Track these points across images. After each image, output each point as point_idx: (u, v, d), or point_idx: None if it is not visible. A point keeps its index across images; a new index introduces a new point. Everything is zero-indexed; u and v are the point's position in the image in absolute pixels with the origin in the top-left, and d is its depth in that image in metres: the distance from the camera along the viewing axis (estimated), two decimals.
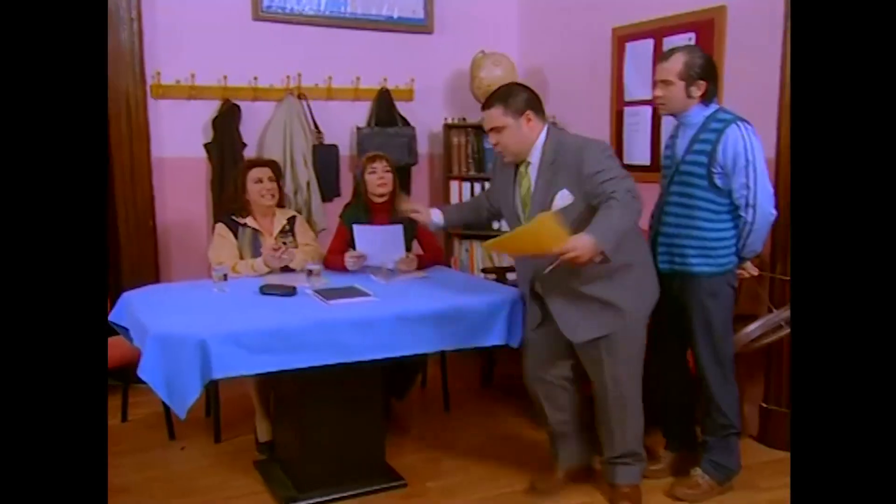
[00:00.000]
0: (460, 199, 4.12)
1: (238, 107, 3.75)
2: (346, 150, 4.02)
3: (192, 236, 3.74)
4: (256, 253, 3.04)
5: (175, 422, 3.05)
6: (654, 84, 2.39)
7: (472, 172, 4.09)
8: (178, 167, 3.75)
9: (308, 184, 3.84)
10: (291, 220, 3.18)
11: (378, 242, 2.95)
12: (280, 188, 3.15)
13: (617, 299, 2.27)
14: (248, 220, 3.08)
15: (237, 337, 2.16)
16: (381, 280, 2.82)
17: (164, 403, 2.80)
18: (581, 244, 2.03)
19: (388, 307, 2.42)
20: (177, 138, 3.73)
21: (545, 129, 2.33)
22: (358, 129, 3.98)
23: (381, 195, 3.07)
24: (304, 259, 2.93)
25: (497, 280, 3.66)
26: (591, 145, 2.24)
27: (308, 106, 3.89)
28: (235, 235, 3.06)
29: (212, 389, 3.13)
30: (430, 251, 3.18)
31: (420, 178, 4.27)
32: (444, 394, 3.37)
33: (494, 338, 2.46)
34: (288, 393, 2.56)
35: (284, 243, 3.08)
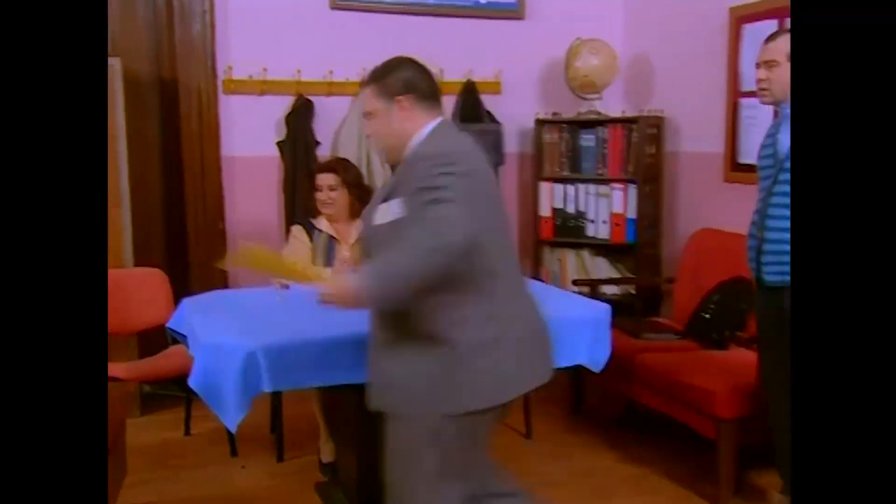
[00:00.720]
0: (551, 203, 4.16)
1: (311, 102, 3.86)
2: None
3: (262, 238, 3.67)
4: (330, 261, 3.08)
5: (238, 437, 3.15)
6: (757, 66, 2.28)
7: (566, 173, 4.07)
8: (248, 166, 3.87)
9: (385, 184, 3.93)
10: None
11: None
12: (352, 193, 3.17)
13: (398, 378, 1.81)
14: (324, 225, 3.15)
15: (288, 349, 2.20)
16: None
17: None
18: (340, 285, 1.71)
19: None
20: (248, 136, 3.85)
21: (435, 123, 1.88)
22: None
23: None
24: None
25: (590, 294, 3.62)
26: (434, 154, 1.76)
27: None
28: (311, 239, 3.14)
29: (276, 405, 3.29)
30: None
31: (508, 180, 4.24)
32: (526, 418, 3.34)
33: (573, 358, 2.42)
34: (349, 411, 2.58)
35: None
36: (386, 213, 1.80)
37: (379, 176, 3.89)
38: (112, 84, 3.39)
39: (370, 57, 3.81)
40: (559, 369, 2.37)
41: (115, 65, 3.42)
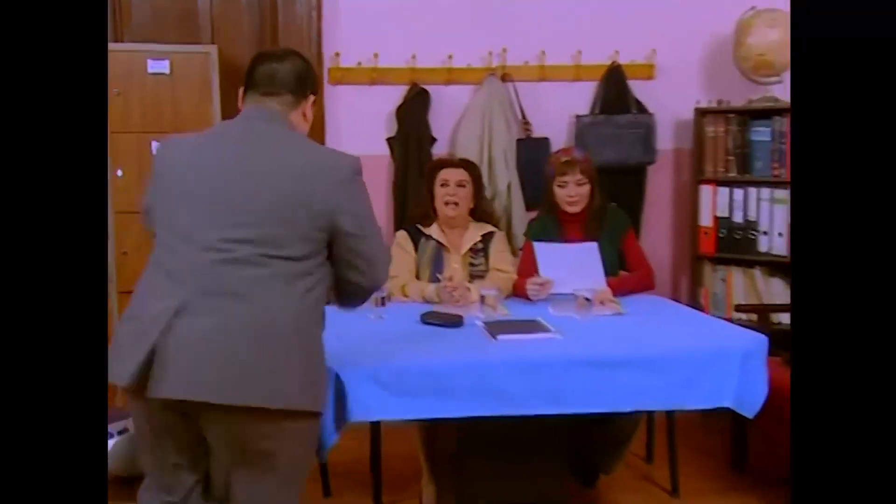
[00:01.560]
0: (713, 210, 3.90)
1: (427, 93, 3.86)
2: (560, 144, 3.95)
3: None
4: (437, 273, 3.10)
5: (332, 474, 3.15)
6: None
7: (732, 174, 3.83)
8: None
9: (509, 187, 3.85)
10: (487, 237, 3.21)
11: (567, 265, 2.92)
12: (476, 196, 3.21)
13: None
14: (434, 231, 3.18)
15: (377, 374, 2.22)
16: (570, 314, 2.76)
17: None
18: None
19: (570, 348, 2.37)
20: (355, 131, 3.89)
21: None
22: (578, 117, 3.93)
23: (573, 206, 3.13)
24: (494, 296, 2.88)
25: (758, 322, 3.39)
26: None
27: (514, 89, 3.91)
28: (416, 248, 3.17)
29: (375, 440, 3.24)
30: (643, 271, 3.13)
31: (659, 181, 4.09)
32: (672, 472, 3.13)
33: (717, 399, 2.32)
34: (446, 451, 2.62)
35: (472, 264, 3.13)
36: None
37: (502, 180, 3.84)
38: (207, 74, 3.51)
39: (496, 38, 3.92)
40: (704, 412, 2.45)
41: (211, 53, 3.53)
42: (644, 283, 3.15)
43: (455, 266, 3.16)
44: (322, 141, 3.84)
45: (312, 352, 1.91)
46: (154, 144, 3.51)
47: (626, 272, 3.18)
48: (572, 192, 3.12)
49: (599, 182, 3.20)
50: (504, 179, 3.86)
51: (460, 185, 3.17)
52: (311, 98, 2.07)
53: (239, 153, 1.89)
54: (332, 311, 2.83)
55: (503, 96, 3.88)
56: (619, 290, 3.02)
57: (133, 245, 3.41)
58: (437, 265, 3.14)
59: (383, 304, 2.76)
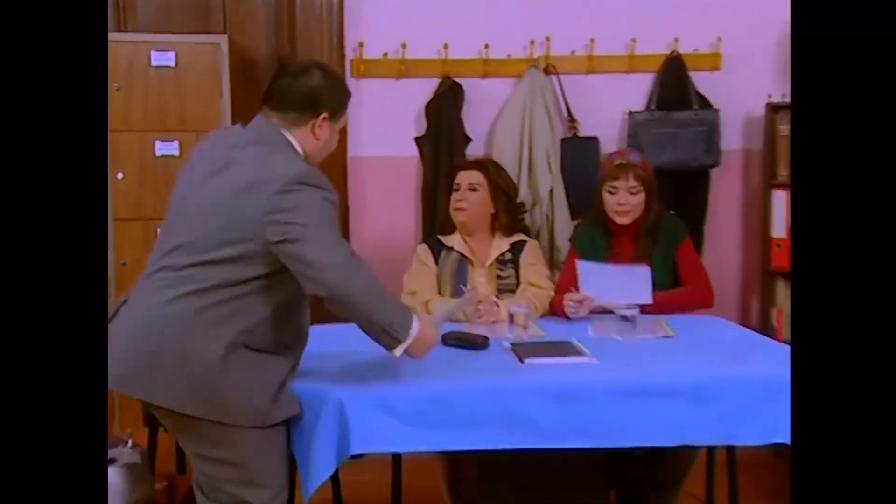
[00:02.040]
0: (787, 219, 3.75)
1: (461, 87, 3.79)
2: (611, 144, 3.88)
3: (397, 258, 3.75)
4: (458, 288, 3.04)
5: None
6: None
7: None
8: (381, 169, 3.87)
9: (552, 193, 3.77)
10: (518, 247, 3.18)
11: (612, 287, 2.87)
12: (495, 201, 3.16)
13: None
14: (455, 242, 3.18)
15: (387, 400, 2.21)
16: (611, 336, 2.72)
17: (332, 487, 2.96)
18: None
19: (606, 373, 2.35)
20: (380, 129, 3.86)
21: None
22: (631, 114, 3.85)
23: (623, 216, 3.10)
24: (524, 314, 2.80)
25: None
26: None
27: (559, 83, 3.85)
28: (438, 261, 3.17)
29: (396, 474, 3.13)
30: (697, 286, 3.06)
31: (725, 186, 3.96)
32: None
33: (776, 433, 2.23)
34: (472, 490, 2.58)
35: (500, 276, 3.09)
36: None
37: (544, 184, 3.78)
38: (217, 67, 3.48)
39: (539, 26, 3.82)
40: (775, 450, 2.45)
41: (221, 44, 3.49)
42: (698, 300, 3.07)
43: (480, 279, 3.12)
44: (343, 141, 3.78)
45: (201, 363, 2.04)
46: (158, 145, 3.50)
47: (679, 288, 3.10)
48: (623, 201, 3.07)
49: (657, 190, 3.14)
50: (546, 184, 3.76)
51: (471, 188, 3.15)
52: (322, 116, 2.23)
53: (198, 183, 2.15)
54: (345, 331, 2.80)
55: (546, 91, 3.81)
56: (668, 307, 2.97)
57: (132, 255, 3.36)
58: (460, 278, 3.12)
59: None
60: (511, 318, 2.74)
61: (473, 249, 3.17)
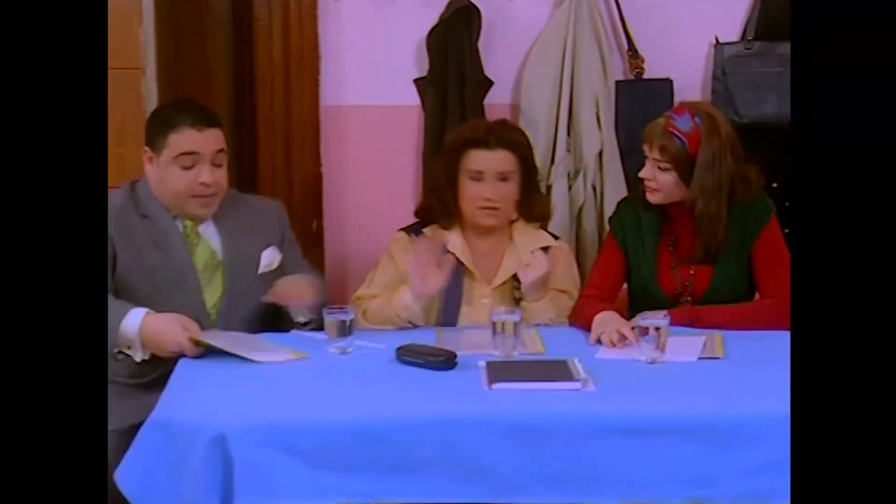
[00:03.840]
0: None
1: (477, 10, 3.70)
2: (690, 89, 3.82)
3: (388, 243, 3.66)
4: (452, 309, 3.07)
5: None
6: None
7: None
8: (367, 122, 3.86)
9: (601, 157, 3.72)
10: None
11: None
12: (524, 190, 3.13)
13: None
14: (454, 242, 3.10)
15: (288, 435, 2.22)
16: (632, 356, 2.70)
17: None
18: None
19: (595, 406, 2.34)
20: (367, 69, 3.82)
21: None
22: (720, 45, 3.78)
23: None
24: (513, 324, 2.77)
25: None
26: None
27: (616, 2, 3.79)
28: None
29: None
30: (773, 300, 3.01)
31: None
32: None
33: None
34: None
35: (518, 300, 3.06)
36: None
37: (591, 144, 3.73)
38: None
39: None
40: None
41: None
42: (772, 319, 2.95)
43: (485, 301, 3.06)
44: (313, 86, 3.83)
45: None
46: None
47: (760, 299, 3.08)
48: (648, 175, 3.05)
49: (738, 156, 3.06)
50: (594, 144, 3.71)
51: (503, 177, 3.06)
52: (146, 151, 2.92)
53: None
54: (295, 341, 3.01)
55: (597, 13, 3.76)
56: (727, 323, 2.94)
57: None
58: (453, 300, 3.07)
59: (349, 332, 2.77)
60: (498, 328, 2.69)
61: (477, 254, 3.12)
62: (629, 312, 2.97)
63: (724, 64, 3.76)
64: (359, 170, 3.90)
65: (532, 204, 3.17)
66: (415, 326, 2.97)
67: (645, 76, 3.81)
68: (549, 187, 3.67)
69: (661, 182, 3.03)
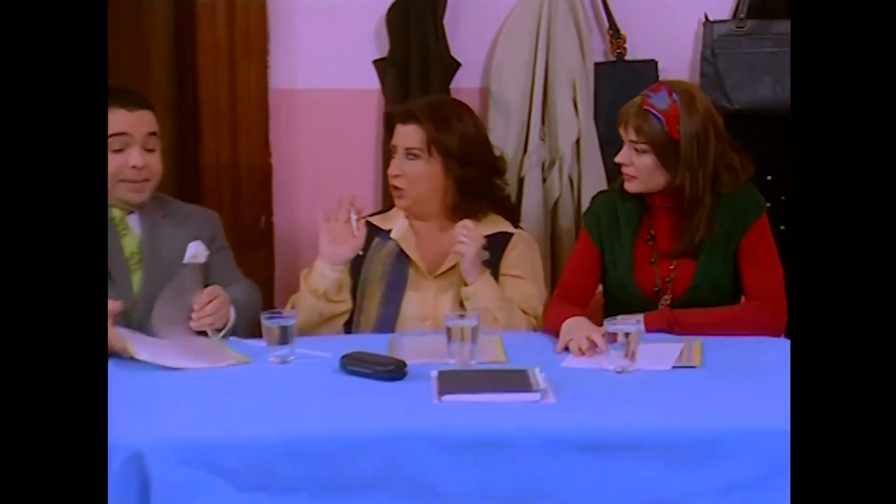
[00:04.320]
0: None
1: None
2: (677, 72, 3.79)
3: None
4: (393, 301, 3.09)
5: None
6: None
7: None
8: (322, 108, 3.84)
9: (578, 145, 3.71)
10: (498, 242, 3.16)
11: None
12: (450, 172, 3.11)
13: None
14: (396, 226, 3.16)
15: (213, 452, 2.20)
16: (601, 365, 2.69)
17: None
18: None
19: (554, 419, 2.34)
20: (321, 49, 3.81)
21: None
22: (709, 23, 3.77)
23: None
24: (471, 329, 2.77)
25: None
26: None
27: None
28: (363, 253, 3.14)
29: None
30: (760, 303, 3.01)
31: None
32: None
33: None
34: None
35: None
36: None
37: (567, 132, 3.73)
38: None
39: None
40: None
41: None
42: (758, 324, 2.98)
43: (429, 286, 3.11)
44: (261, 67, 3.83)
45: None
46: None
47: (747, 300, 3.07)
48: (624, 159, 3.03)
49: (722, 139, 3.06)
50: (570, 131, 3.69)
51: (410, 154, 3.07)
52: None
53: None
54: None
55: None
56: (709, 328, 2.93)
57: None
58: (395, 289, 3.09)
59: (289, 339, 2.77)
60: (451, 333, 2.69)
61: (423, 245, 3.12)
62: (605, 314, 2.93)
63: (714, 44, 3.76)
64: (312, 160, 3.87)
65: (455, 198, 3.15)
66: (337, 312, 3.05)
67: (627, 57, 3.81)
68: (521, 179, 3.65)
69: (638, 167, 3.01)
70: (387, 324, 3.07)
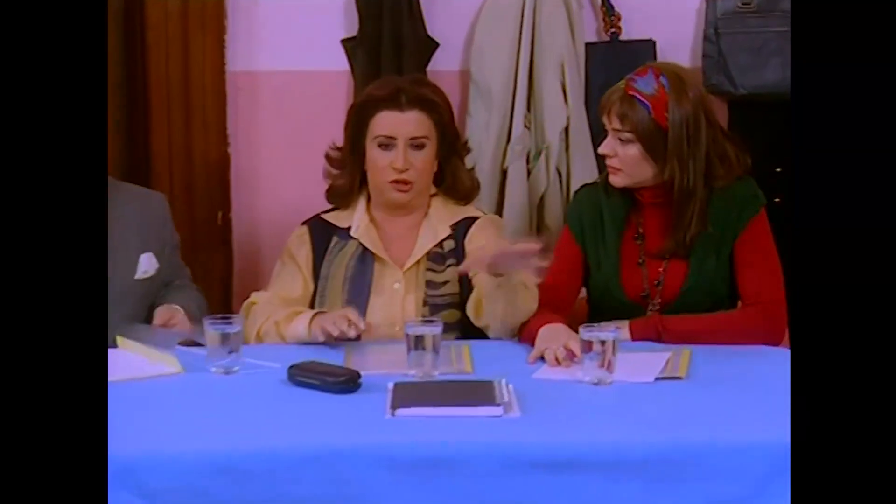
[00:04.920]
0: None
1: None
2: (677, 53, 3.78)
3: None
4: (359, 298, 3.08)
5: None
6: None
7: None
8: (284, 92, 3.87)
9: (567, 134, 3.72)
10: (461, 228, 3.18)
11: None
12: (441, 156, 3.15)
13: None
14: (358, 223, 3.15)
15: (139, 473, 2.22)
16: (581, 377, 2.68)
17: None
18: None
19: (514, 435, 2.35)
20: (283, 30, 3.85)
21: None
22: (712, 1, 3.79)
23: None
24: (433, 337, 2.78)
25: None
26: None
27: None
28: (321, 255, 3.16)
29: None
30: (754, 308, 3.04)
31: None
32: None
33: None
34: None
35: (432, 284, 3.12)
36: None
37: (555, 119, 3.74)
38: None
39: None
40: None
41: None
42: (753, 332, 2.98)
43: (395, 287, 3.08)
44: (218, 48, 3.84)
45: None
46: None
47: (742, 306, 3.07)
48: (608, 151, 3.00)
49: (715, 126, 3.06)
50: (558, 119, 3.70)
51: (417, 144, 3.05)
52: None
53: None
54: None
55: None
56: (700, 336, 2.93)
57: None
58: (359, 293, 3.07)
59: (235, 347, 2.76)
60: (414, 342, 2.69)
61: (387, 237, 3.11)
62: (588, 320, 2.93)
63: (718, 22, 3.76)
64: (274, 150, 3.89)
65: (455, 176, 3.18)
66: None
67: (622, 37, 3.81)
68: (503, 171, 3.67)
69: (623, 158, 2.99)
70: None
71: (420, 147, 3.06)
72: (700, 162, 3.01)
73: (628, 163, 3.00)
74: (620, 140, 2.99)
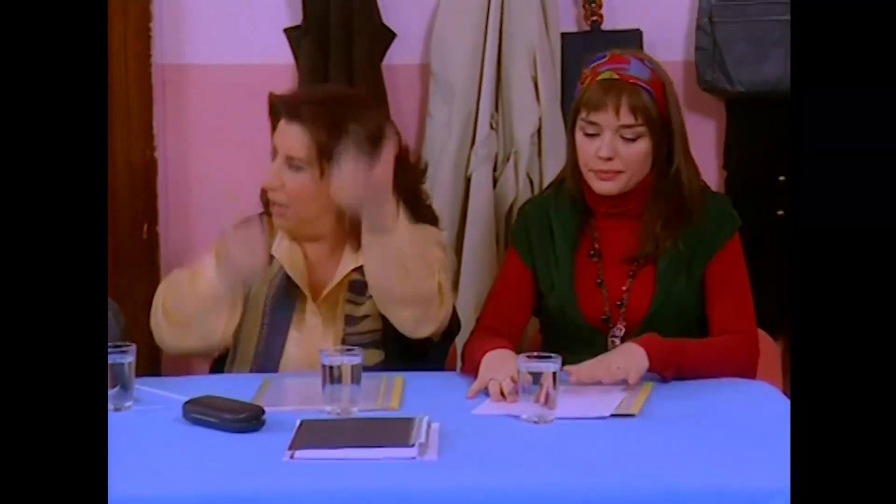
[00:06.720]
0: None
1: None
2: (667, 44, 3.89)
3: None
4: (277, 330, 3.08)
5: None
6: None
7: None
8: (218, 88, 3.91)
9: (539, 136, 3.77)
10: None
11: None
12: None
13: None
14: (279, 247, 3.15)
15: None
16: (521, 416, 2.70)
17: None
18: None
19: (434, 478, 2.36)
20: (217, 19, 3.89)
21: None
22: None
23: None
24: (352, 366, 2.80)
25: None
26: None
27: None
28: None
29: None
30: (728, 338, 3.03)
31: None
32: None
33: None
34: None
35: (352, 318, 3.11)
36: None
37: (525, 121, 3.79)
38: None
39: None
40: None
41: None
42: (737, 357, 3.00)
43: (315, 320, 3.10)
44: (144, 38, 3.87)
45: None
46: None
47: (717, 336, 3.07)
48: (608, 152, 2.94)
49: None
50: (529, 120, 3.76)
51: (293, 164, 3.02)
52: None
53: None
54: None
55: None
56: (699, 365, 2.93)
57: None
58: (280, 318, 3.09)
59: (127, 380, 2.79)
60: (331, 373, 2.70)
61: (311, 262, 3.10)
62: (542, 348, 2.92)
63: (713, 10, 3.81)
64: (207, 153, 3.95)
65: (342, 216, 3.12)
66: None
67: (604, 26, 3.86)
68: (467, 179, 3.69)
69: (628, 159, 2.95)
70: (269, 361, 3.08)
71: (298, 168, 3.02)
72: (691, 157, 3.08)
73: (634, 163, 2.97)
74: (624, 138, 2.95)
